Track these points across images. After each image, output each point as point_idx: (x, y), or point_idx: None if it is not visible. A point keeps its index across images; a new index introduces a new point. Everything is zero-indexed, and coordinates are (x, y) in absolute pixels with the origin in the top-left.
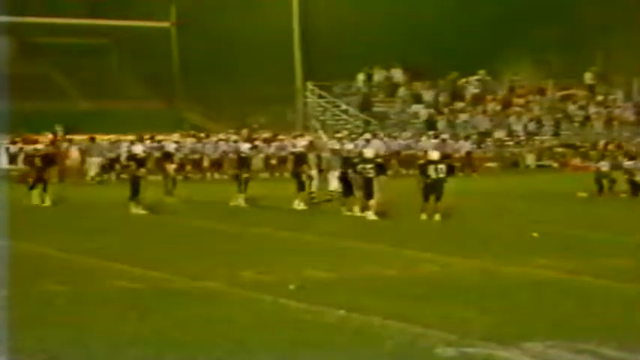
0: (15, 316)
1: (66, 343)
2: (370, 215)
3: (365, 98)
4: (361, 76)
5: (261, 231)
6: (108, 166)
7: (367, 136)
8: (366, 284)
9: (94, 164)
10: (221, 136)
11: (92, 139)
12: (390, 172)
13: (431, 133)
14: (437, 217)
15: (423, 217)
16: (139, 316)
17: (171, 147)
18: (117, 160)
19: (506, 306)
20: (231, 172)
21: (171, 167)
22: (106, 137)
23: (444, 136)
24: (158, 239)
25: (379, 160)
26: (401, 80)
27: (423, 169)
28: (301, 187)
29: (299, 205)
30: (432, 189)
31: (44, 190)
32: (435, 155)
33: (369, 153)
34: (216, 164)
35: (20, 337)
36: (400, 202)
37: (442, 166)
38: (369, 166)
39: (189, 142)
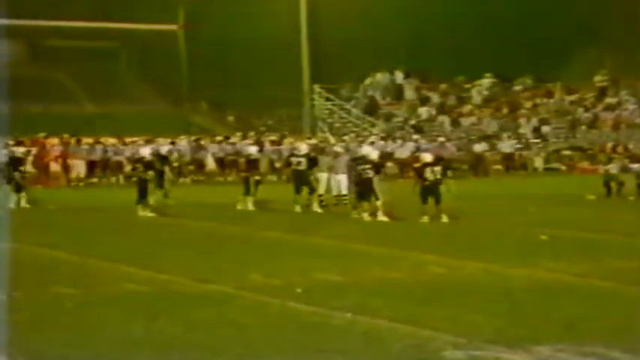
0: (23, 318)
1: (74, 346)
2: (380, 216)
3: (372, 101)
4: (369, 80)
5: (268, 234)
6: (101, 168)
7: (372, 138)
8: (373, 287)
9: (78, 166)
10: (219, 138)
11: (78, 141)
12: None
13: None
14: (444, 218)
15: (424, 219)
16: (148, 319)
17: (163, 149)
18: (120, 162)
19: (514, 309)
20: (241, 175)
21: (166, 170)
22: (113, 140)
23: (441, 139)
24: (166, 242)
25: (378, 161)
26: (407, 83)
27: (419, 172)
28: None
29: (317, 207)
30: (429, 191)
31: (18, 191)
32: (428, 158)
33: (373, 155)
34: (222, 166)
35: (28, 339)
36: (404, 205)
37: (438, 168)
38: (368, 166)
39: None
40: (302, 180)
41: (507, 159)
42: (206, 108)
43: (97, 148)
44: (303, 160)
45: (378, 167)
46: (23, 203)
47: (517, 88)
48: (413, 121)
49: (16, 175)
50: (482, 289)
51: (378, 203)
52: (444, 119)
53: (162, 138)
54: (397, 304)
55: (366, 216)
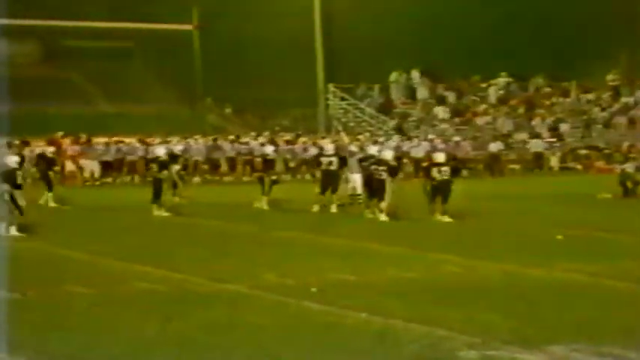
0: (37, 317)
1: (88, 346)
2: (382, 217)
3: (387, 101)
4: (394, 75)
5: (283, 234)
6: (116, 168)
7: (382, 139)
8: (388, 287)
9: (89, 166)
10: (231, 137)
11: (88, 141)
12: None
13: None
14: (446, 218)
15: (437, 217)
16: (162, 319)
17: (176, 148)
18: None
19: (529, 309)
20: (255, 175)
21: (174, 168)
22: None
23: (457, 138)
24: (181, 241)
25: (393, 162)
26: (422, 82)
27: (427, 172)
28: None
29: (335, 208)
30: (438, 191)
31: (49, 190)
32: (440, 158)
33: (388, 155)
34: (232, 166)
35: (42, 339)
36: (419, 204)
37: (446, 168)
38: (382, 167)
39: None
40: (331, 180)
41: (537, 158)
42: (220, 108)
43: (111, 147)
44: (334, 159)
45: (393, 169)
46: (51, 203)
47: (532, 87)
48: (399, 124)
49: (51, 174)
50: (498, 289)
51: (383, 204)
52: (455, 119)
53: (173, 137)
54: (412, 304)
55: (382, 216)
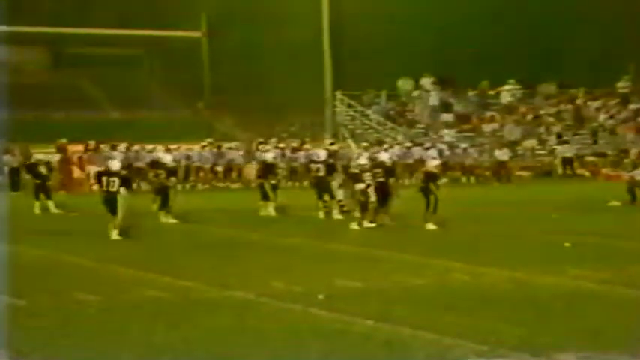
0: (46, 324)
1: (95, 353)
2: (365, 223)
3: (396, 107)
4: (404, 83)
5: (290, 240)
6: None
7: (385, 145)
8: (395, 294)
9: (93, 173)
10: (232, 145)
11: (96, 148)
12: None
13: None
14: (430, 226)
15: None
16: (169, 326)
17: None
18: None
19: (538, 316)
20: (256, 182)
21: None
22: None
23: (464, 145)
24: (187, 248)
25: (358, 168)
26: (430, 89)
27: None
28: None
29: (338, 214)
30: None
31: (48, 197)
32: (434, 163)
33: (362, 160)
34: (228, 173)
35: (50, 345)
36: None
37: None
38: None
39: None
40: (321, 186)
41: (567, 163)
42: (228, 114)
43: (120, 154)
44: (321, 166)
45: (352, 175)
46: (53, 209)
47: (540, 94)
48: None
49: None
50: (506, 296)
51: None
52: (463, 126)
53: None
54: (420, 311)
55: (353, 224)
